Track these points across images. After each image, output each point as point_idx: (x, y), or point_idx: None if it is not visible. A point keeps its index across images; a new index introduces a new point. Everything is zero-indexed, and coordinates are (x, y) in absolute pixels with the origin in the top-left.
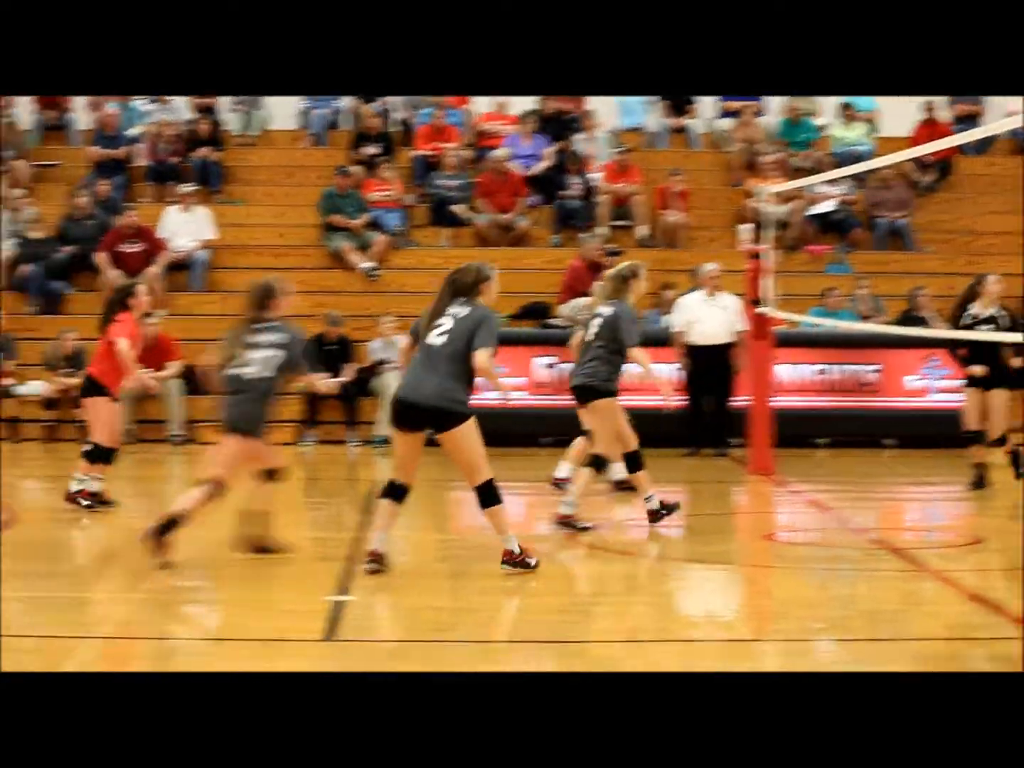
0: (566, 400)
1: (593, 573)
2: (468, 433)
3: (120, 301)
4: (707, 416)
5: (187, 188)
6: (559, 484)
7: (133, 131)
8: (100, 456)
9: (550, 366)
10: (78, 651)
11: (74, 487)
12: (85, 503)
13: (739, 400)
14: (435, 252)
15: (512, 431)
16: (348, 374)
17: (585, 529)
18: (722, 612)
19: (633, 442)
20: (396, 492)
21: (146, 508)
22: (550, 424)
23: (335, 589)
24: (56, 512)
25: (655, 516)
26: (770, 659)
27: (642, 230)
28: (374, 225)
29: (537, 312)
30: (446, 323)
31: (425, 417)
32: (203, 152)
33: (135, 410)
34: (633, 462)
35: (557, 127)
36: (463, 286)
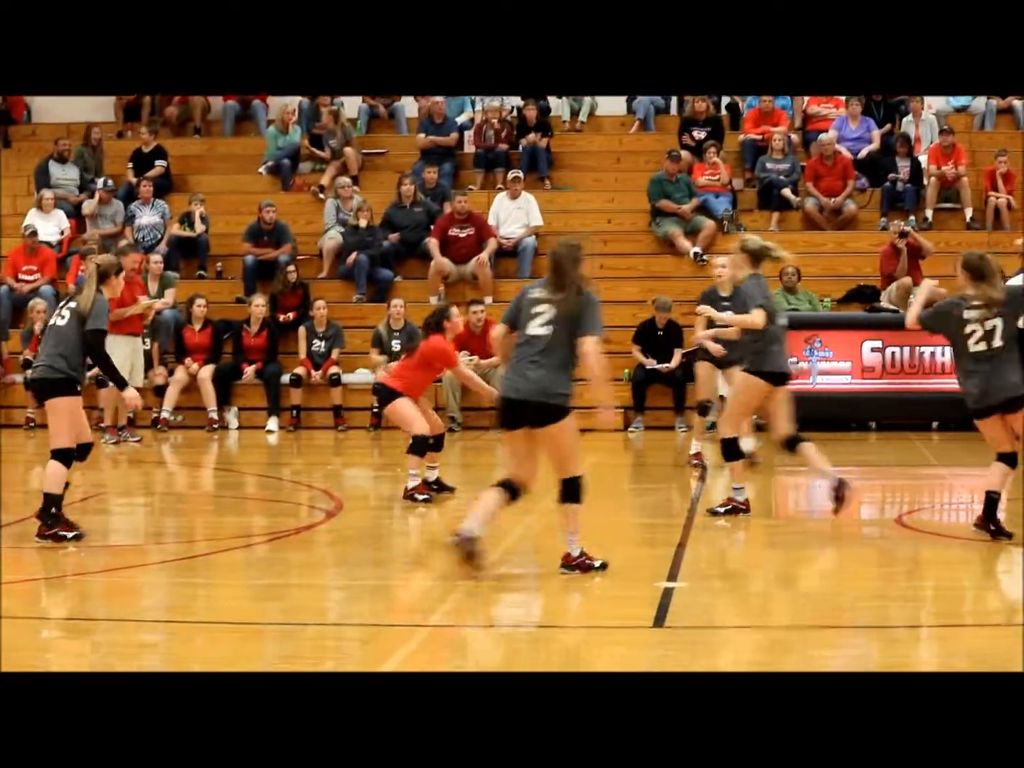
0: (893, 384)
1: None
2: (566, 427)
3: (436, 323)
4: None
5: (515, 175)
6: None
7: (461, 118)
8: (416, 448)
9: (875, 350)
10: (412, 639)
11: (410, 484)
12: (422, 497)
13: None
14: (764, 236)
15: (839, 415)
16: (676, 359)
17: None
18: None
19: None
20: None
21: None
22: (878, 408)
23: (665, 576)
24: (383, 500)
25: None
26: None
27: (968, 212)
28: (703, 210)
29: (864, 295)
30: (547, 311)
31: (528, 413)
32: (531, 139)
33: (461, 397)
34: None
35: (886, 109)
36: (563, 265)
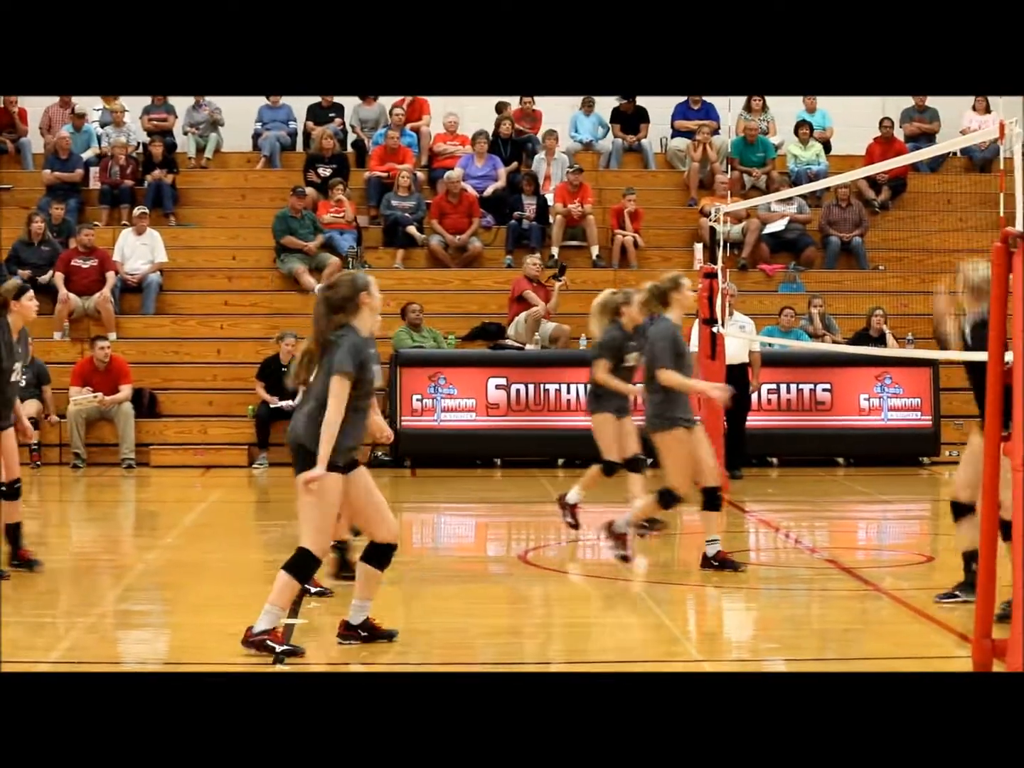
0: (518, 421)
1: (543, 593)
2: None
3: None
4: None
5: (140, 211)
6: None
7: (87, 154)
8: None
9: (500, 387)
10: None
11: None
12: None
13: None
14: (389, 273)
15: (464, 452)
16: (300, 396)
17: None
18: (673, 632)
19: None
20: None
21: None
22: (503, 444)
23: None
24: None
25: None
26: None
27: (595, 250)
28: (328, 247)
29: (489, 333)
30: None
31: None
32: (156, 175)
33: (87, 433)
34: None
35: (512, 147)
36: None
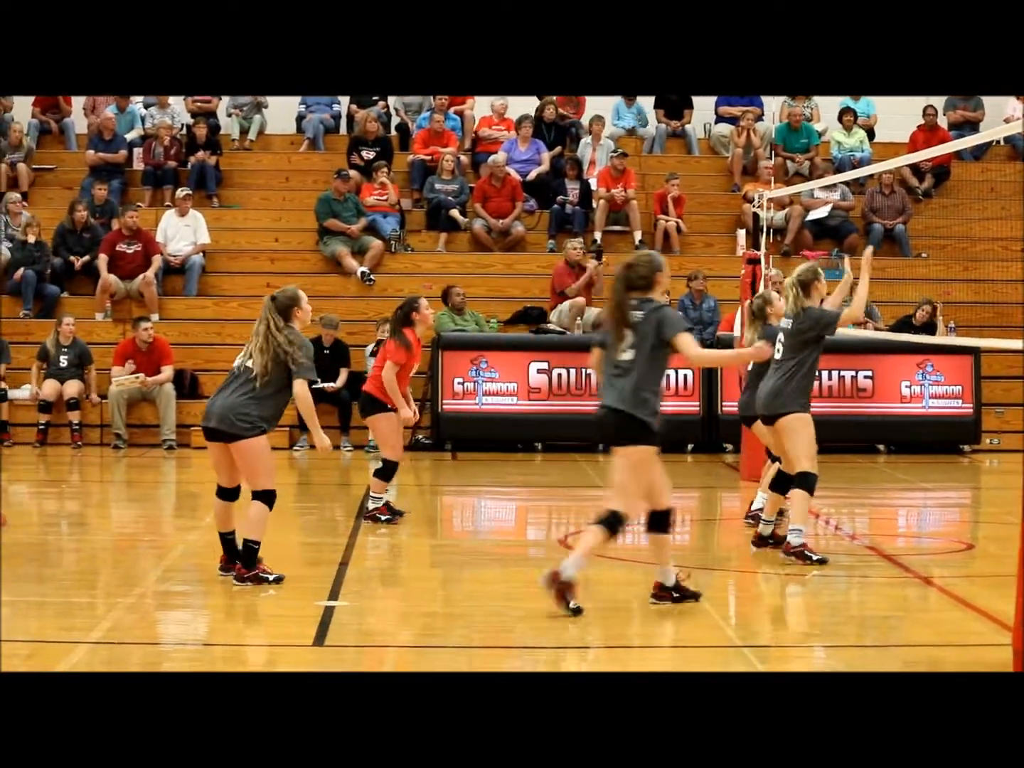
0: (559, 405)
1: (582, 577)
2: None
3: (406, 316)
4: None
5: (183, 192)
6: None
7: (130, 135)
8: (385, 472)
9: (542, 371)
10: (73, 653)
11: (370, 505)
12: (384, 518)
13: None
14: (431, 257)
15: (506, 435)
16: (342, 379)
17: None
18: (713, 617)
19: None
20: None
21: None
22: (544, 428)
23: (327, 595)
24: (43, 517)
25: None
26: (759, 665)
27: (638, 235)
28: (371, 230)
29: (531, 317)
30: (628, 337)
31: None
32: (200, 156)
33: (128, 414)
34: None
35: (556, 132)
36: (637, 281)
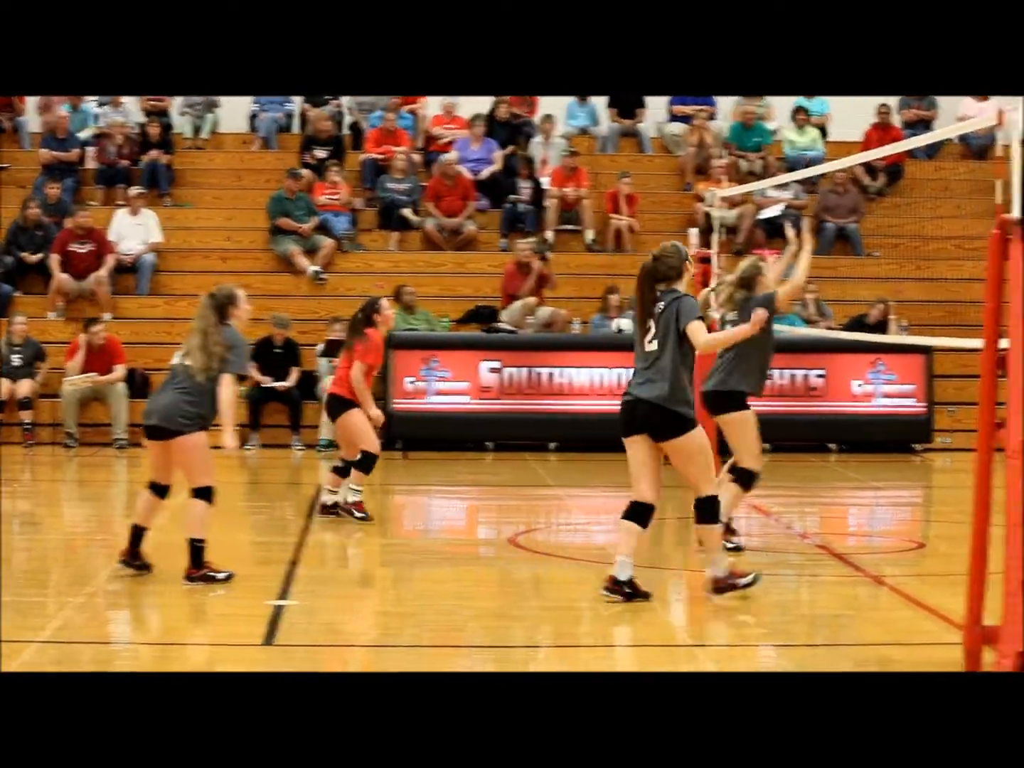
0: (511, 404)
1: (533, 576)
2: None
3: (367, 317)
4: None
5: (135, 191)
6: None
7: (84, 134)
8: (365, 464)
9: (493, 370)
10: (26, 652)
11: (350, 498)
12: (359, 515)
13: None
14: (383, 256)
15: (456, 435)
16: (293, 378)
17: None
18: (662, 616)
19: None
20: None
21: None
22: (494, 428)
23: (277, 594)
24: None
25: None
26: (710, 665)
27: (590, 234)
28: (322, 229)
29: (483, 316)
30: (652, 328)
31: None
32: (153, 155)
33: (79, 413)
34: None
35: (507, 131)
36: (668, 272)
